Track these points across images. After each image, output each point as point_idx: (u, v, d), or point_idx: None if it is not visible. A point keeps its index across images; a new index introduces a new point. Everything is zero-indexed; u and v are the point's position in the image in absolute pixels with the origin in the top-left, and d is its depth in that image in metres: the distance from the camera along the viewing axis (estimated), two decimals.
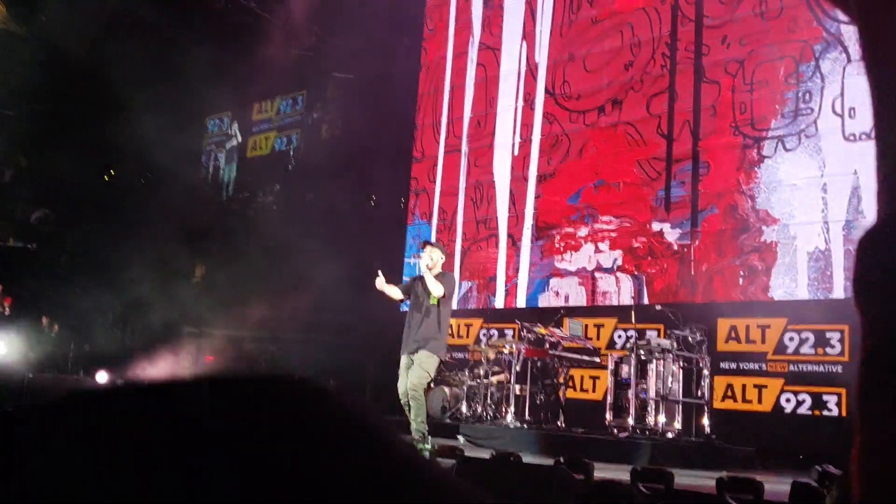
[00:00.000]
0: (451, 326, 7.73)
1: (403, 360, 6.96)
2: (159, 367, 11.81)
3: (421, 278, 6.97)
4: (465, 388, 9.48)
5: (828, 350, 7.81)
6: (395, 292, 7.19)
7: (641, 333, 8.09)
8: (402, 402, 6.96)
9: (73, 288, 12.22)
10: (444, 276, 6.98)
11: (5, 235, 12.64)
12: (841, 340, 7.73)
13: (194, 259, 14.96)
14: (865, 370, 0.63)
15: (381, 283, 7.04)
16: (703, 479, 5.22)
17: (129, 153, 13.04)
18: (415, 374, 6.73)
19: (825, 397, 7.70)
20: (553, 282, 10.11)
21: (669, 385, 7.43)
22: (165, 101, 13.17)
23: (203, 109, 16.08)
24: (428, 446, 6.43)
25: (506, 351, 8.90)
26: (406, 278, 11.02)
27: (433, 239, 11.50)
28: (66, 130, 11.91)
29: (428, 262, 6.87)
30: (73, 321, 12.22)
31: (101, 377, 12.00)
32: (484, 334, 10.61)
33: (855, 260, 0.66)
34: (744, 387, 8.25)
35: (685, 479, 5.12)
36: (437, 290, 6.73)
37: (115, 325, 13.30)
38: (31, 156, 12.55)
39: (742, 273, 8.53)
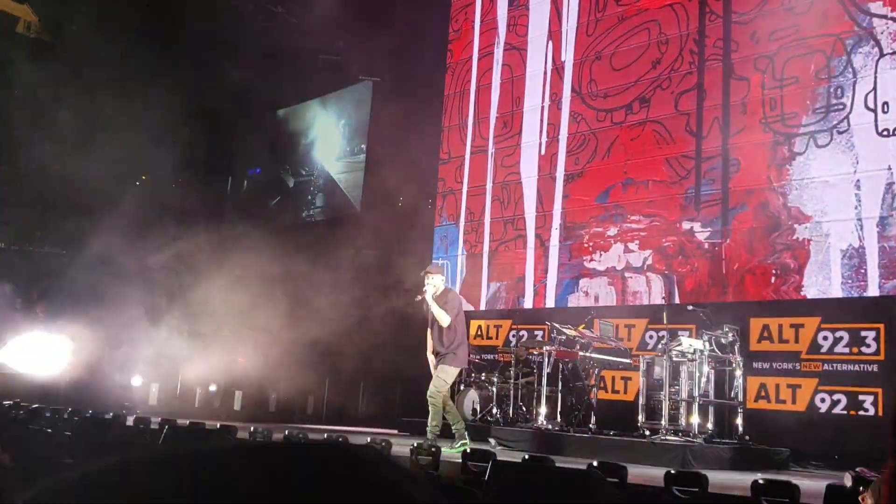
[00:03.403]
0: (470, 330, 8.02)
1: (434, 359, 7.55)
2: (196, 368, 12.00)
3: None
4: (494, 390, 9.48)
5: (863, 349, 7.69)
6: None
7: (673, 334, 8.01)
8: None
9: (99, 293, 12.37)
10: (446, 296, 7.47)
11: (41, 243, 12.85)
12: (876, 339, 7.61)
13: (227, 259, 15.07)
14: None
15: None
16: (737, 482, 5.18)
17: (158, 160, 13.21)
18: (433, 382, 7.39)
19: (861, 397, 7.59)
20: (582, 282, 10.07)
21: (702, 386, 7.37)
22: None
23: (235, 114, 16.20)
24: (466, 443, 7.10)
25: (536, 352, 8.88)
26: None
27: (460, 241, 11.52)
28: (91, 142, 12.08)
29: (432, 290, 7.36)
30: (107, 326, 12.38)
31: (136, 381, 12.20)
32: (514, 335, 10.59)
33: None
34: (777, 387, 8.16)
35: (719, 481, 5.08)
36: (444, 319, 7.34)
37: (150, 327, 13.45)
38: (67, 164, 12.74)
39: (774, 271, 8.43)
